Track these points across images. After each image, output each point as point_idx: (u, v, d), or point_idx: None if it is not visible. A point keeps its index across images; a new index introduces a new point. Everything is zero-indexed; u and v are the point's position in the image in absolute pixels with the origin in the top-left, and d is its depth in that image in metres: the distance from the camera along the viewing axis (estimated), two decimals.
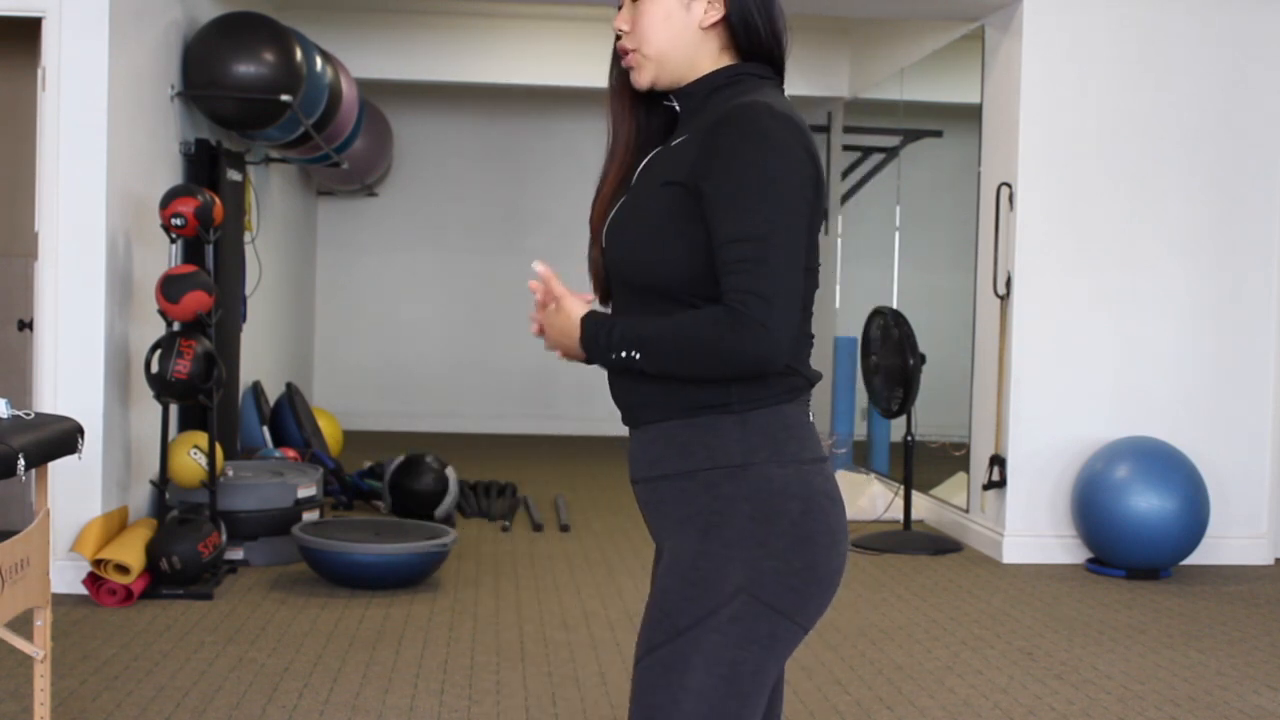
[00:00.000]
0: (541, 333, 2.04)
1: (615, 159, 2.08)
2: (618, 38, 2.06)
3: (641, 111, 2.08)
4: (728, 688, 1.87)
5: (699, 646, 1.87)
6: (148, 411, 5.42)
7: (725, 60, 2.01)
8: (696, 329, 1.85)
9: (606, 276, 2.05)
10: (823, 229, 9.66)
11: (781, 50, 2.03)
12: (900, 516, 6.87)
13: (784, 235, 1.84)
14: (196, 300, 5.05)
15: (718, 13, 1.98)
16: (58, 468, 4.45)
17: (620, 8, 2.05)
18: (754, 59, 2.01)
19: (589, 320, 1.96)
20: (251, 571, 5.50)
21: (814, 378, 1.99)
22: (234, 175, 6.36)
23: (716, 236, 1.86)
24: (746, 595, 1.87)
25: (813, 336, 2.01)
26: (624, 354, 1.91)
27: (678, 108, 2.04)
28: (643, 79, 2.02)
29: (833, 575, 1.93)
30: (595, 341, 1.94)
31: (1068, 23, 6.14)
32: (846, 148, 9.05)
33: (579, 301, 1.99)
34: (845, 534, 1.95)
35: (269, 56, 5.96)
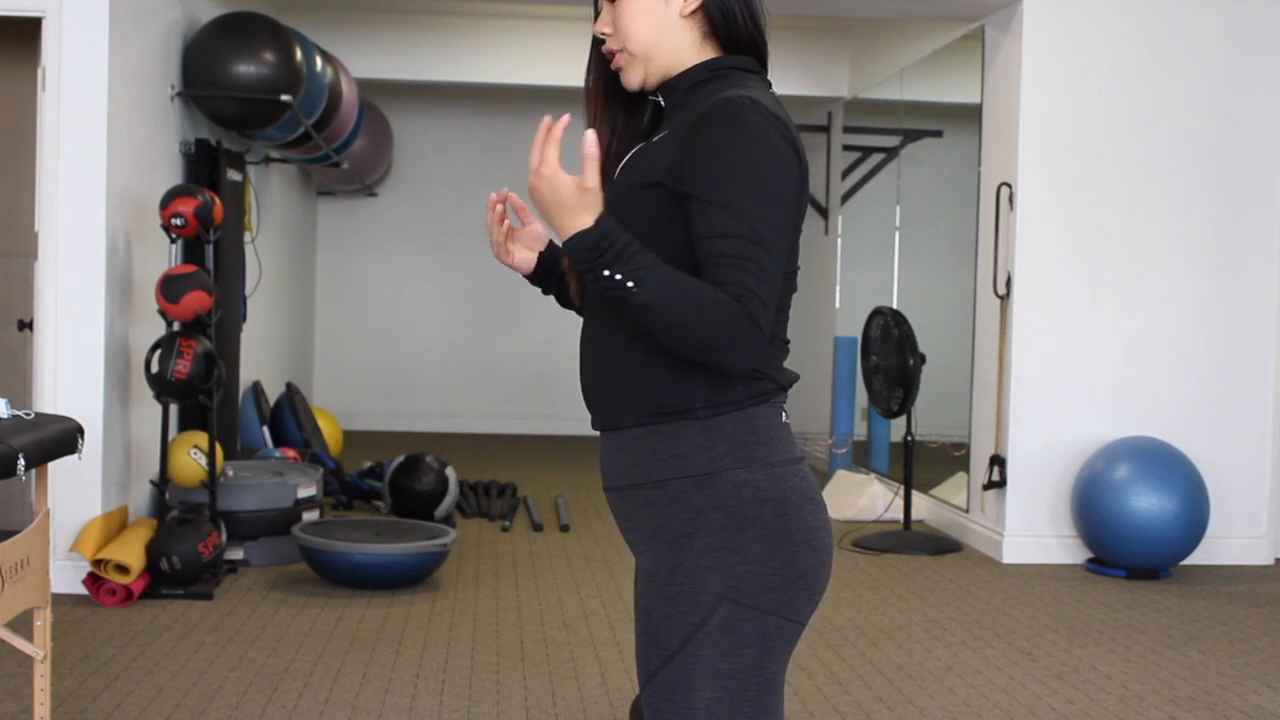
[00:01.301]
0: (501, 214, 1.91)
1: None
2: (598, 42, 2.03)
3: (620, 113, 2.05)
4: (735, 697, 1.85)
5: (695, 663, 1.85)
6: (148, 411, 5.42)
7: (708, 51, 1.97)
8: (712, 302, 1.75)
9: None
10: (823, 229, 9.65)
11: (763, 38, 1.99)
12: (900, 516, 6.87)
13: (773, 236, 1.79)
14: (196, 300, 5.05)
15: (695, 1, 1.95)
16: (58, 468, 4.45)
17: (597, 14, 2.02)
18: (736, 50, 1.98)
19: (593, 232, 1.77)
20: (251, 571, 5.50)
21: (786, 381, 1.93)
22: (234, 175, 6.36)
23: (704, 230, 1.80)
24: (728, 602, 1.85)
25: (788, 341, 1.96)
26: (618, 275, 1.75)
27: (662, 102, 2.00)
28: (633, 79, 1.98)
29: (815, 569, 1.89)
30: (605, 240, 1.75)
31: (1068, 23, 6.14)
32: (846, 148, 9.05)
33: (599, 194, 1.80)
34: (825, 529, 1.91)
35: (269, 56, 5.96)
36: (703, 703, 1.85)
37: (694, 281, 1.77)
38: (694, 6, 1.95)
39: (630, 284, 1.75)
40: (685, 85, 1.96)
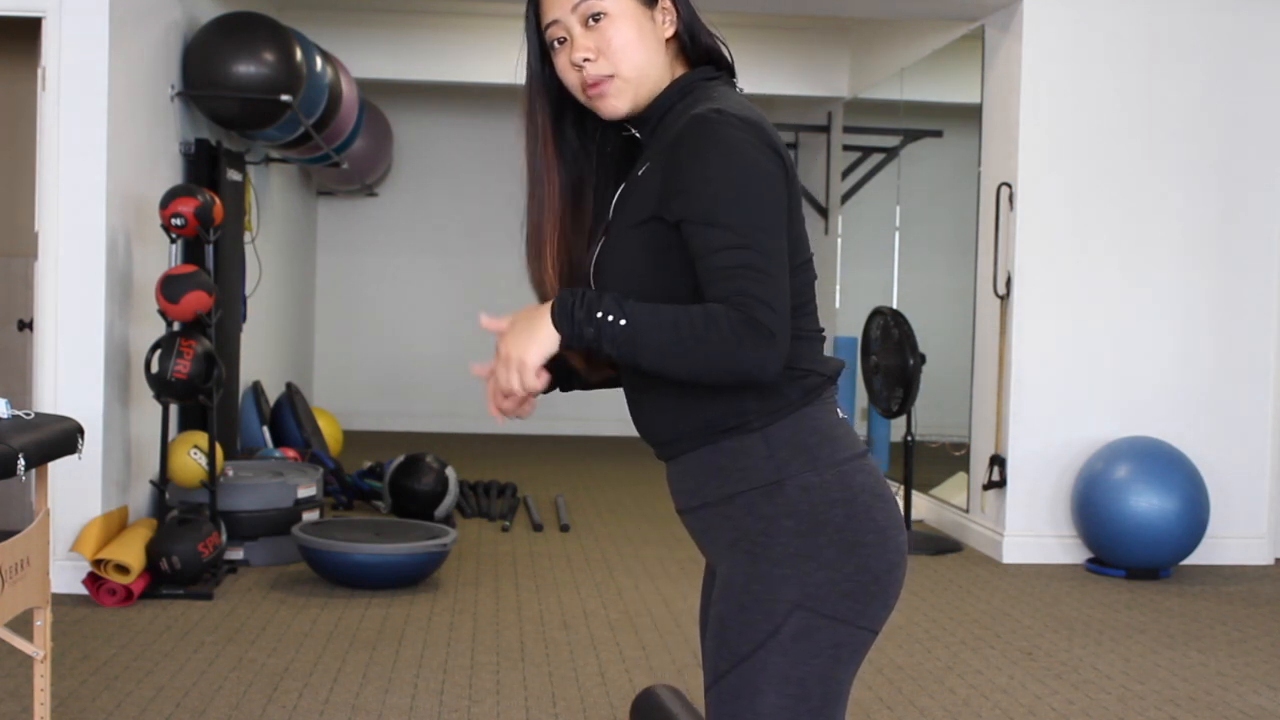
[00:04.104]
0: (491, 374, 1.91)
1: (551, 208, 2.00)
2: (543, 76, 1.98)
3: (569, 148, 2.02)
4: (800, 705, 1.86)
5: (764, 669, 1.85)
6: (148, 411, 5.42)
7: (677, 70, 1.97)
8: (706, 322, 1.74)
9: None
10: (823, 229, 9.65)
11: (721, 46, 1.98)
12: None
13: (766, 240, 1.78)
14: (196, 300, 5.05)
15: (673, 24, 1.94)
16: (58, 468, 4.45)
17: (559, 42, 1.94)
18: (699, 64, 1.97)
19: (564, 292, 1.81)
20: (251, 571, 5.50)
21: (831, 371, 1.93)
22: (234, 175, 6.36)
23: (699, 250, 1.79)
24: (803, 610, 1.85)
25: (822, 330, 1.96)
26: (609, 317, 1.76)
27: (637, 135, 1.99)
28: (620, 105, 1.93)
29: (888, 573, 1.89)
30: (572, 307, 1.78)
31: (1068, 22, 6.14)
32: (846, 148, 9.05)
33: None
34: (895, 527, 1.91)
35: (269, 56, 5.96)
36: (767, 709, 1.85)
37: (675, 307, 1.77)
38: (673, 30, 1.94)
39: (623, 320, 1.76)
40: (657, 114, 1.95)
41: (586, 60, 1.91)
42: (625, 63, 1.91)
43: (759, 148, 1.82)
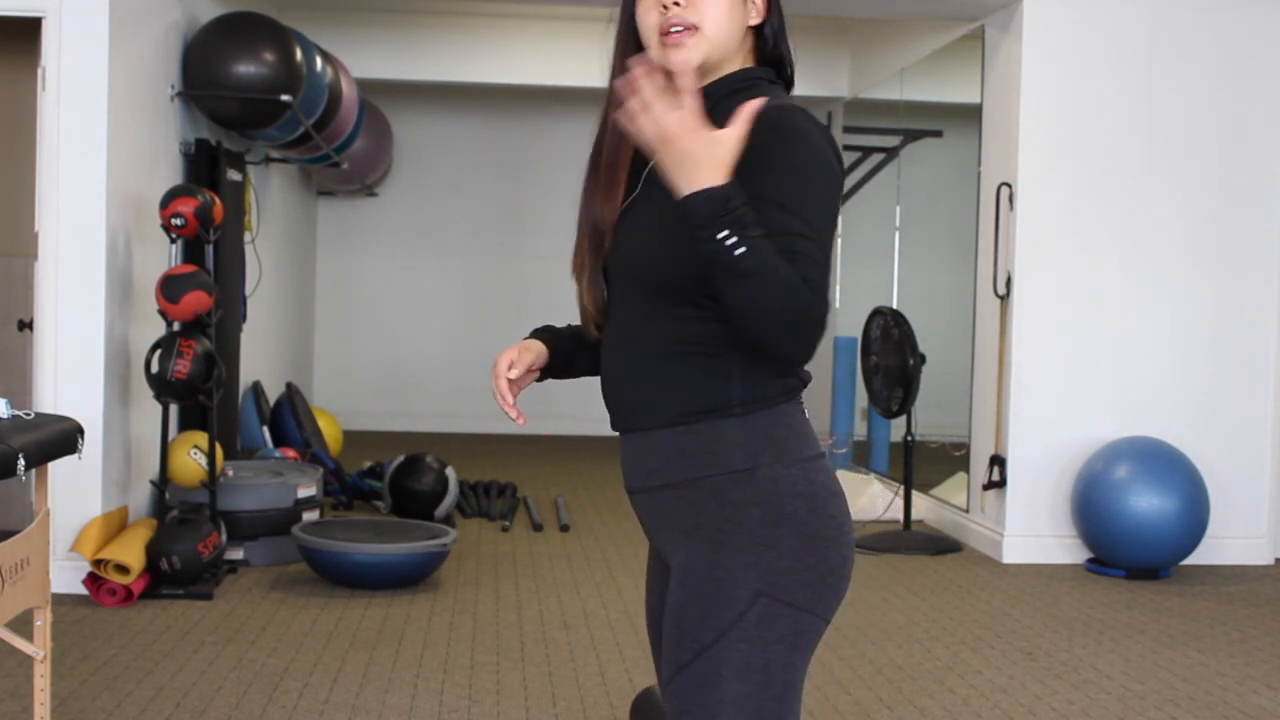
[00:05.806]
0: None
1: (620, 161, 2.02)
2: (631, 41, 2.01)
3: None
4: (763, 692, 1.88)
5: (728, 657, 1.87)
6: (148, 411, 5.42)
7: (747, 62, 2.04)
8: (798, 288, 1.73)
9: (606, 277, 2.03)
10: None
11: (792, 58, 2.08)
12: (900, 516, 6.87)
13: (828, 239, 1.84)
14: (196, 300, 5.05)
15: (759, 16, 2.02)
16: (58, 468, 4.45)
17: None
18: (765, 64, 2.05)
19: (735, 182, 1.74)
20: (251, 571, 5.50)
21: (808, 378, 1.99)
22: (234, 175, 6.36)
23: (769, 228, 1.78)
24: (765, 598, 1.87)
25: None
26: (731, 239, 1.72)
27: None
28: (694, 58, 1.93)
29: (843, 565, 1.93)
30: (732, 202, 1.72)
31: (1068, 22, 6.14)
32: (847, 148, 9.04)
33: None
34: (849, 525, 1.96)
35: (269, 56, 5.96)
36: (731, 696, 1.87)
37: (790, 267, 1.75)
38: (759, 21, 2.02)
39: (739, 250, 1.72)
40: (719, 93, 1.99)
41: (676, 4, 1.94)
42: (710, 20, 1.95)
43: (834, 154, 1.90)
